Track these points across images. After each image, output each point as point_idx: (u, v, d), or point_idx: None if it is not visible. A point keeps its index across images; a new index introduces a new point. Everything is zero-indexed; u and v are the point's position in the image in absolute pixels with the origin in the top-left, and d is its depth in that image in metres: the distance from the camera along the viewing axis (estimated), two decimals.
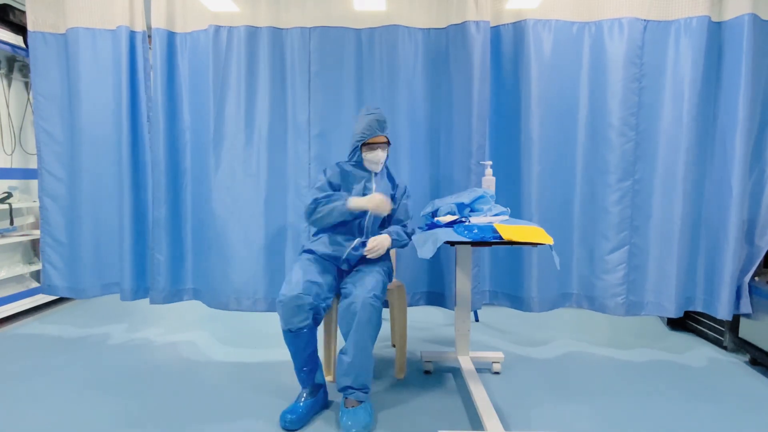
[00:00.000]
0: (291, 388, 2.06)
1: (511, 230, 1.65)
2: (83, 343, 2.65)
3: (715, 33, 2.37)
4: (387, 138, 2.12)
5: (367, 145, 2.08)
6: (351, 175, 2.13)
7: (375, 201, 1.99)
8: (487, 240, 1.64)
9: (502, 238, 1.62)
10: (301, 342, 1.85)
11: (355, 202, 2.00)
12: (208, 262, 2.60)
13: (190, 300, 2.70)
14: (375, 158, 2.08)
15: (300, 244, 2.56)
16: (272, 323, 2.99)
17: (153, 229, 2.59)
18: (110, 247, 2.69)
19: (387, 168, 2.21)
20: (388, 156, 2.16)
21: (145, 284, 2.69)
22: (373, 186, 2.12)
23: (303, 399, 1.88)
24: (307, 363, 1.89)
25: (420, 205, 2.43)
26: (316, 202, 2.03)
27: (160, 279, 2.60)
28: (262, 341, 2.71)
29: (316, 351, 1.92)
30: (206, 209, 2.59)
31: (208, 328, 2.91)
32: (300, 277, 1.87)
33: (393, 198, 2.14)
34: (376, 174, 2.14)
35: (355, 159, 2.13)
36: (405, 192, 2.21)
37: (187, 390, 2.10)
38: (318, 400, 1.92)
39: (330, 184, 2.12)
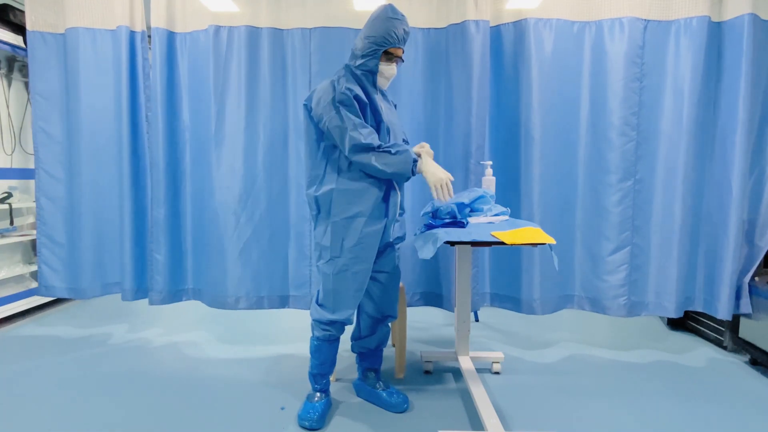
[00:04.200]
0: (296, 384, 2.07)
1: (510, 235, 1.64)
2: (84, 344, 2.65)
3: (715, 33, 2.37)
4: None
5: (387, 54, 1.76)
6: (361, 99, 1.72)
7: (440, 177, 1.69)
8: (487, 240, 1.64)
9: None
10: (336, 348, 1.90)
11: (428, 167, 1.70)
12: (208, 262, 2.60)
13: (189, 300, 2.69)
14: (391, 73, 1.80)
15: (302, 243, 2.56)
16: (266, 322, 3.01)
17: (152, 229, 2.59)
18: (111, 246, 2.68)
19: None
20: None
21: (146, 284, 2.67)
22: (382, 106, 1.79)
23: (317, 399, 1.89)
24: (331, 368, 1.94)
25: (420, 205, 2.43)
26: (379, 147, 1.64)
27: (159, 279, 2.59)
28: (262, 339, 2.71)
29: None
30: (206, 209, 2.58)
31: (206, 328, 2.90)
32: None
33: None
34: (380, 92, 1.84)
35: (368, 68, 1.76)
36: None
37: (189, 389, 2.10)
38: (330, 399, 1.96)
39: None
